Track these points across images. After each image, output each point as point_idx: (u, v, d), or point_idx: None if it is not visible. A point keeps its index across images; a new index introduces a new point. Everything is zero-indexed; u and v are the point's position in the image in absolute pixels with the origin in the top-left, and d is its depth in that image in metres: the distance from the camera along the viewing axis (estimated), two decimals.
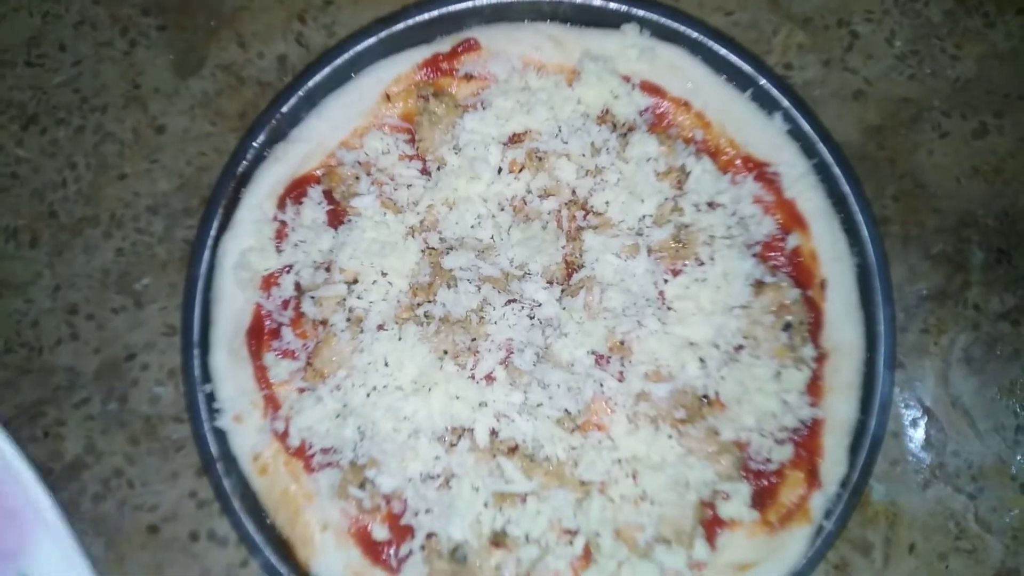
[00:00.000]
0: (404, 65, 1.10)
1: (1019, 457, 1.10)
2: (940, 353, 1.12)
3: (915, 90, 1.18)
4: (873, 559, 1.07)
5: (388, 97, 1.10)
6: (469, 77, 1.11)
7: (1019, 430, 1.10)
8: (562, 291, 1.05)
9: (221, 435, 1.04)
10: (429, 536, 1.00)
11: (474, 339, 1.02)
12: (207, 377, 1.05)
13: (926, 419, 1.11)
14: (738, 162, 1.09)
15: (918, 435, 1.10)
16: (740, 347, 1.04)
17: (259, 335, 1.06)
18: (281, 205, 1.08)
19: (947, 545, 1.08)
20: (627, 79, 1.09)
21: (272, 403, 1.04)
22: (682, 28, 1.10)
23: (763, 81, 1.09)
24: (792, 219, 1.07)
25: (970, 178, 1.16)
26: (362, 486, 1.00)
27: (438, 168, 1.08)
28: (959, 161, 1.16)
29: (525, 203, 1.08)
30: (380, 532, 1.02)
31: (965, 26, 1.19)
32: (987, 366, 1.12)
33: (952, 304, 1.13)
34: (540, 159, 1.08)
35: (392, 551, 1.01)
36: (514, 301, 1.03)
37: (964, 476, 1.09)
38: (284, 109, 1.09)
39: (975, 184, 1.16)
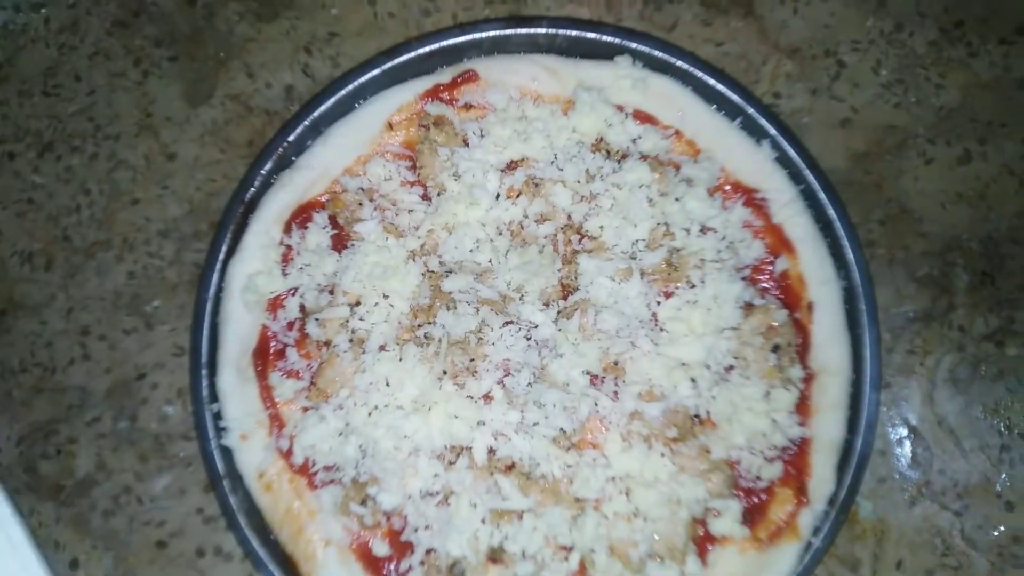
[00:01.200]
0: (406, 95, 1.15)
1: (1004, 475, 1.12)
2: (926, 373, 1.15)
3: (901, 118, 1.21)
4: (861, 575, 1.10)
5: (391, 126, 1.15)
6: (468, 107, 1.15)
7: (1004, 449, 1.13)
8: (558, 313, 1.08)
9: (227, 453, 1.07)
10: (428, 552, 1.03)
11: (472, 360, 1.06)
12: (215, 396, 1.08)
13: (912, 438, 1.14)
14: (728, 188, 1.13)
15: (905, 454, 1.13)
16: (730, 368, 1.07)
17: (265, 356, 1.09)
18: (287, 230, 1.12)
19: (934, 562, 1.10)
20: (620, 109, 1.13)
21: (277, 422, 1.08)
22: (673, 59, 1.14)
23: (751, 110, 1.13)
24: (780, 243, 1.11)
25: (955, 203, 1.19)
26: (363, 503, 1.04)
27: (438, 194, 1.12)
28: (944, 187, 1.20)
29: (522, 228, 1.12)
30: (381, 548, 1.05)
31: (949, 56, 1.23)
32: (972, 386, 1.14)
33: (938, 326, 1.16)
34: (537, 185, 1.12)
35: (393, 566, 1.04)
36: (511, 323, 1.07)
37: (950, 494, 1.12)
38: (291, 138, 1.14)
39: (959, 209, 1.19)
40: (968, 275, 1.17)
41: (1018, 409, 1.14)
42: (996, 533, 1.11)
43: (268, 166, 1.14)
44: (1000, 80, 1.22)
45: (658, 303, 1.08)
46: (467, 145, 1.13)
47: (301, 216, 1.12)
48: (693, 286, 1.08)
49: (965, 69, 1.23)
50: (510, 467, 1.04)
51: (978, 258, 1.18)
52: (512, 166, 1.13)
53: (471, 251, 1.10)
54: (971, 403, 1.14)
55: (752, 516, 1.05)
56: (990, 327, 1.16)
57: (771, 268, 1.11)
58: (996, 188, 1.19)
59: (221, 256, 1.11)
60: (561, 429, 1.03)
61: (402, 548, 1.04)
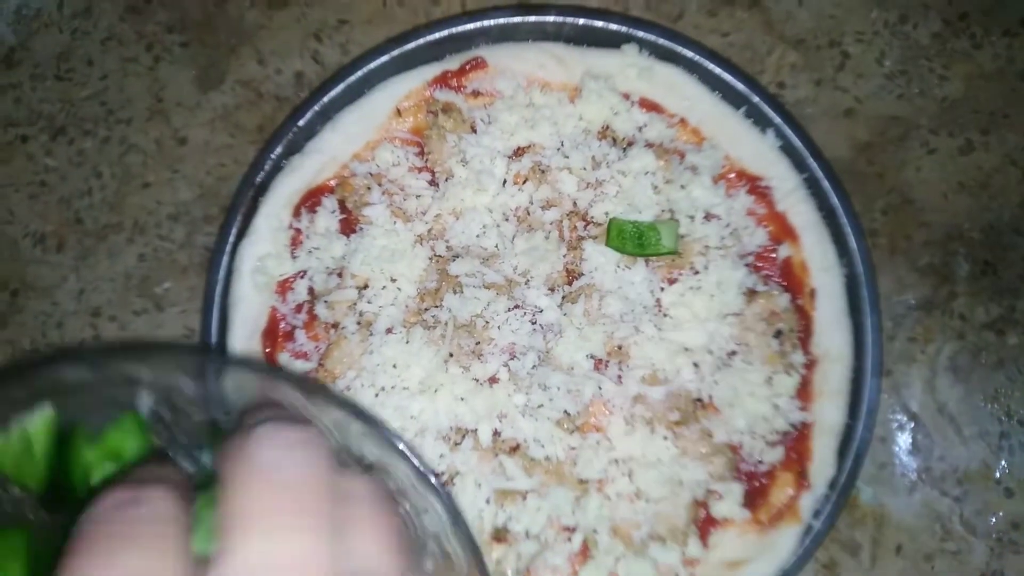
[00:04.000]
0: (415, 82, 1.16)
1: (1003, 462, 1.13)
2: (927, 361, 1.16)
3: (904, 109, 1.23)
4: (861, 559, 1.11)
5: (399, 112, 1.16)
6: (476, 93, 1.16)
7: (1003, 436, 1.14)
8: (563, 298, 1.09)
9: None
10: None
11: (478, 343, 1.07)
12: None
13: (913, 425, 1.15)
14: (732, 176, 1.14)
15: (905, 440, 1.14)
16: (733, 353, 1.08)
17: (274, 337, 1.11)
18: (296, 214, 1.13)
19: (933, 546, 1.12)
20: (626, 97, 1.14)
21: None
22: (679, 49, 1.15)
23: (756, 99, 1.14)
24: (783, 231, 1.12)
25: (957, 193, 1.21)
26: None
27: (446, 180, 1.13)
28: (946, 177, 1.21)
29: (528, 214, 1.13)
30: None
31: (953, 48, 1.24)
32: (972, 374, 1.16)
33: (939, 314, 1.17)
34: (543, 172, 1.13)
35: None
36: (517, 307, 1.08)
37: (950, 480, 1.13)
38: (300, 123, 1.15)
39: (962, 199, 1.20)
40: (969, 264, 1.18)
41: (1018, 397, 1.15)
42: (995, 519, 1.12)
43: (278, 151, 1.15)
44: (1003, 71, 1.23)
45: (662, 289, 1.10)
46: (475, 131, 1.14)
47: (310, 200, 1.14)
48: (697, 272, 1.09)
49: (969, 61, 1.24)
50: (515, 448, 1.06)
51: (979, 247, 1.19)
52: (519, 152, 1.15)
53: (478, 236, 1.11)
54: (971, 391, 1.15)
55: (753, 499, 1.06)
56: (991, 316, 1.17)
57: (774, 255, 1.12)
58: (998, 178, 1.20)
59: (231, 239, 1.13)
60: (565, 411, 1.05)
61: None
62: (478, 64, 1.15)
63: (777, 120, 1.14)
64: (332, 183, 1.15)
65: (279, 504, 0.36)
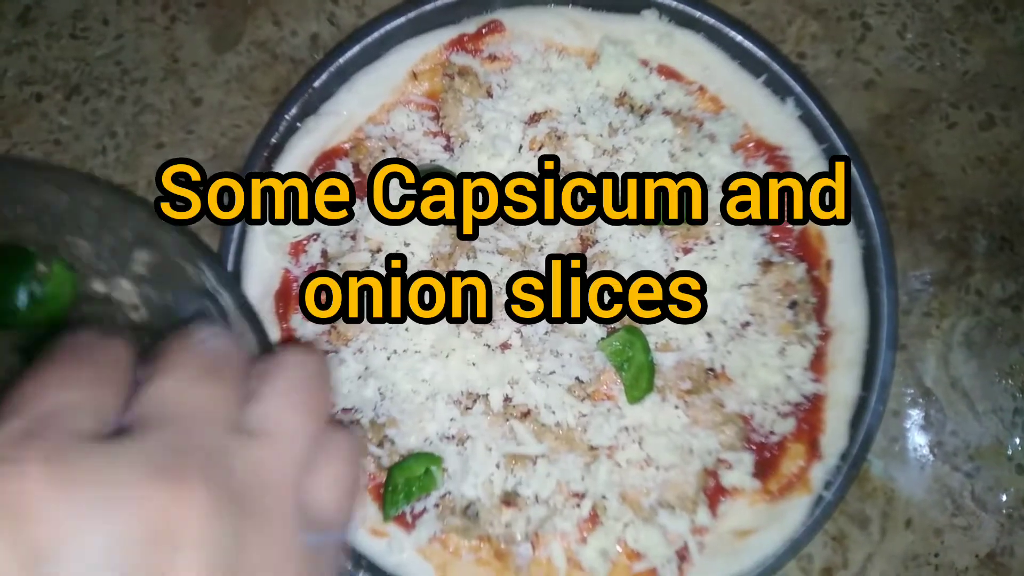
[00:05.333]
0: (431, 45, 1.15)
1: (1016, 439, 1.13)
2: (942, 336, 1.16)
3: (924, 82, 1.21)
4: (870, 532, 1.11)
5: (415, 75, 1.15)
6: (493, 58, 1.15)
7: (1017, 412, 1.13)
8: None
9: None
10: (444, 494, 1.05)
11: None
12: None
13: (926, 399, 1.14)
14: (751, 145, 1.13)
15: (918, 414, 1.14)
16: (747, 323, 1.08)
17: (287, 299, 1.11)
18: (311, 176, 1.13)
19: (943, 521, 1.11)
20: (645, 63, 1.13)
21: None
22: (700, 15, 1.14)
23: (776, 67, 1.13)
24: None
25: (976, 168, 1.19)
26: (381, 444, 1.05)
27: (461, 144, 1.12)
28: (965, 151, 1.20)
29: None
30: None
31: (975, 21, 1.23)
32: (987, 350, 1.15)
33: (955, 289, 1.16)
34: (559, 138, 1.12)
35: (408, 508, 1.06)
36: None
37: (962, 455, 1.13)
38: (315, 84, 1.14)
39: (980, 174, 1.19)
40: (987, 240, 1.17)
41: None
42: (1006, 496, 1.12)
43: (292, 112, 1.14)
44: None
45: (676, 258, 1.09)
46: (491, 96, 1.13)
47: (325, 162, 1.13)
48: (712, 242, 1.09)
49: (991, 35, 1.22)
50: (525, 414, 1.06)
51: (997, 223, 1.18)
52: (535, 118, 1.14)
53: None
54: (986, 366, 1.14)
55: (764, 469, 1.06)
56: (1007, 292, 1.16)
57: (790, 226, 1.11)
58: (1018, 154, 1.19)
59: None
60: (577, 378, 1.05)
61: None
62: (495, 28, 1.14)
63: (798, 89, 1.12)
64: (347, 146, 1.14)
65: (200, 362, 0.46)
